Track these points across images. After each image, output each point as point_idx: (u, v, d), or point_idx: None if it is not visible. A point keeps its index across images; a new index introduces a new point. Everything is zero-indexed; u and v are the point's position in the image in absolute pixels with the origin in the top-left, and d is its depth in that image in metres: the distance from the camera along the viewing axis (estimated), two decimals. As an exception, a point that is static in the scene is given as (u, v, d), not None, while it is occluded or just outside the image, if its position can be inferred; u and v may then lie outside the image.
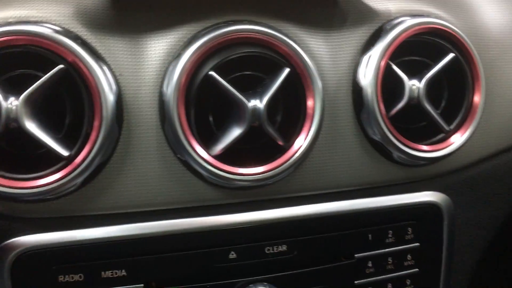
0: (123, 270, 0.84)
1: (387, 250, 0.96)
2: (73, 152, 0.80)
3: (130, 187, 0.85)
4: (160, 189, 0.86)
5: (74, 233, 0.83)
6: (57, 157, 0.79)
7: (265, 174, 0.85)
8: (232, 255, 0.88)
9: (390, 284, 0.98)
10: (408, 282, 0.99)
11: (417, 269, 0.99)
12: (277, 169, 0.86)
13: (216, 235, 0.88)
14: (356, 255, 0.94)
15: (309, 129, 0.87)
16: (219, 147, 0.85)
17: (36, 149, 0.82)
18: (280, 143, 0.86)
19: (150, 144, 0.85)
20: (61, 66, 0.79)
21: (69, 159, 0.80)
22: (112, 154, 0.84)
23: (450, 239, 1.02)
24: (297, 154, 0.86)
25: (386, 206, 0.97)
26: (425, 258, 1.00)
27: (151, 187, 0.86)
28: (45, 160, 0.81)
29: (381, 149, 0.95)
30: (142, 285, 0.85)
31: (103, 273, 0.83)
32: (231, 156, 0.85)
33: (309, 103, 0.87)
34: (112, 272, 0.84)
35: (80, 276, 0.83)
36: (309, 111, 0.87)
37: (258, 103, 0.83)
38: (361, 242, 0.95)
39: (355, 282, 0.95)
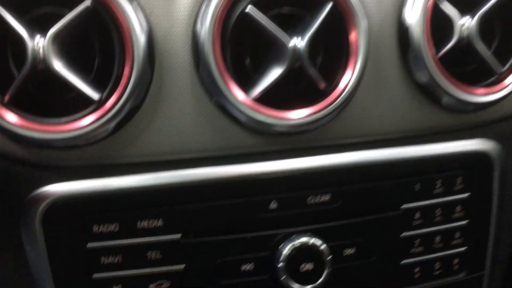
0: (160, 220, 0.80)
1: (435, 201, 0.91)
2: (104, 95, 0.75)
3: (163, 133, 0.80)
4: (195, 135, 0.81)
5: (107, 181, 0.79)
6: (88, 101, 0.75)
7: (308, 118, 0.80)
8: (273, 205, 0.83)
9: (438, 237, 0.92)
10: (456, 235, 0.93)
11: (466, 221, 0.93)
12: (321, 112, 0.80)
13: (256, 184, 0.83)
14: (402, 206, 0.89)
15: (355, 66, 0.80)
16: (258, 90, 0.80)
17: (64, 92, 0.78)
18: (322, 85, 0.81)
19: (184, 87, 0.80)
20: (88, 3, 0.74)
21: (100, 103, 0.75)
22: (144, 98, 0.79)
23: (501, 190, 0.95)
24: (343, 95, 0.80)
25: (434, 154, 0.91)
26: (475, 210, 0.94)
27: (185, 133, 0.81)
28: (75, 104, 0.76)
29: (429, 93, 0.88)
30: (179, 235, 0.81)
31: (139, 222, 0.79)
32: (269, 100, 0.80)
33: (353, 37, 0.81)
34: (148, 222, 0.80)
35: (115, 226, 0.79)
36: (353, 46, 0.81)
37: (299, 41, 0.78)
38: (408, 192, 0.89)
39: (401, 234, 0.89)
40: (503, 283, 1.04)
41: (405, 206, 0.89)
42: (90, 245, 0.79)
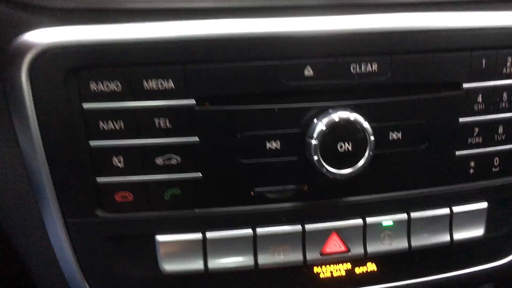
0: (170, 81, 0.66)
1: (503, 82, 0.75)
2: None
3: (178, -26, 0.65)
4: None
5: (109, 29, 0.64)
6: None
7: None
8: (309, 71, 0.68)
9: (501, 126, 0.77)
10: (523, 126, 0.78)
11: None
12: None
13: (288, 44, 0.67)
14: (464, 86, 0.73)
15: None
16: None
17: None
18: None
19: None
20: None
21: None
22: None
23: None
24: None
25: (507, 25, 0.74)
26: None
27: (204, -24, 0.66)
28: None
29: None
30: (193, 101, 0.67)
31: (145, 82, 0.66)
32: None
33: None
34: (156, 82, 0.66)
35: (116, 85, 0.65)
36: None
37: None
38: (472, 69, 0.73)
39: (460, 119, 0.74)
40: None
41: (467, 85, 0.73)
42: (86, 105, 0.66)
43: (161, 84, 0.66)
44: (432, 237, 0.79)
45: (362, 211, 0.76)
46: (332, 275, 0.79)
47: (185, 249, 0.72)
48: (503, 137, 0.78)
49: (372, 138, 0.69)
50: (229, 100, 0.68)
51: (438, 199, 0.78)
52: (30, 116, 0.66)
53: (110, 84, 0.65)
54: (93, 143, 0.67)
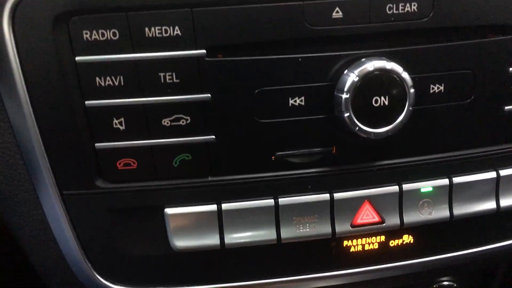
0: (176, 28, 0.56)
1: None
2: None
3: None
4: None
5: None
6: None
7: None
8: (337, 13, 0.58)
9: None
10: None
11: None
12: None
13: (313, -21, 0.58)
14: (516, 29, 0.64)
15: None
16: None
17: None
18: None
19: None
20: None
21: None
22: None
23: None
24: None
25: None
26: None
27: None
28: None
29: None
30: (203, 51, 0.58)
31: (147, 30, 0.56)
32: None
33: None
34: (160, 29, 0.56)
35: (113, 33, 0.56)
36: None
37: None
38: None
39: (510, 69, 0.65)
40: None
41: (520, 30, 0.64)
42: (79, 59, 0.57)
43: (166, 31, 0.56)
44: (476, 204, 0.70)
45: (398, 176, 0.67)
46: (363, 249, 0.70)
47: (198, 222, 0.64)
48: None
49: (412, 90, 0.60)
50: (245, 49, 0.59)
51: (484, 161, 0.69)
52: (15, 73, 0.57)
53: (106, 32, 0.56)
54: (90, 103, 0.58)
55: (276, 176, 0.64)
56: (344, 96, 0.58)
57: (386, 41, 0.61)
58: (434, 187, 0.68)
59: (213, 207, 0.63)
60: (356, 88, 0.58)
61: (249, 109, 0.60)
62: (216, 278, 0.67)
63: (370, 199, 0.66)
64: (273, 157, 0.63)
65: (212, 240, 0.64)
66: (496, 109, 0.66)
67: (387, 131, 0.60)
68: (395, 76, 0.59)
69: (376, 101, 0.59)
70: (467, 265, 0.76)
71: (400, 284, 0.79)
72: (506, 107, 0.66)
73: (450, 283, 0.89)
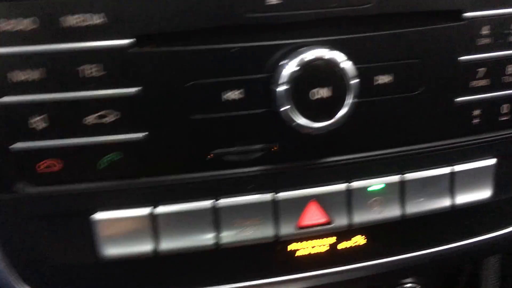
0: (100, 16, 0.52)
1: (513, 11, 0.62)
2: None
3: None
4: None
5: None
6: None
7: None
8: None
9: (510, 66, 0.64)
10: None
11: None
12: None
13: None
14: (465, 15, 0.60)
15: None
16: None
17: None
18: None
19: None
20: None
21: None
22: None
23: None
24: None
25: None
26: None
27: None
28: None
29: None
30: (130, 40, 0.53)
31: (64, 18, 0.51)
32: None
33: None
34: (81, 17, 0.52)
35: (28, 23, 0.51)
36: None
37: None
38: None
39: (460, 57, 0.61)
40: None
41: (469, 14, 0.60)
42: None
43: (87, 19, 0.52)
44: (430, 201, 0.66)
45: (346, 173, 0.63)
46: (312, 252, 0.66)
47: (130, 228, 0.59)
48: (515, 78, 0.65)
49: (354, 81, 0.56)
50: (175, 39, 0.54)
51: (437, 156, 0.65)
52: None
53: (19, 21, 0.51)
54: (3, 99, 0.53)
55: (215, 175, 0.59)
56: (281, 88, 0.54)
57: (329, 29, 0.57)
58: (385, 184, 0.64)
59: (147, 210, 0.59)
60: (294, 80, 0.54)
61: (182, 104, 0.56)
62: (150, 286, 0.63)
63: (317, 198, 0.62)
64: (210, 156, 0.59)
65: (146, 246, 0.59)
66: (446, 101, 0.63)
67: (329, 125, 0.56)
68: (335, 67, 0.55)
69: (316, 93, 0.55)
70: (426, 266, 0.72)
71: None
72: (457, 99, 0.63)
73: (413, 285, 0.86)
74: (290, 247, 0.65)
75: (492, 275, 0.90)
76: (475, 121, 0.65)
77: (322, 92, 0.55)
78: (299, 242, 0.65)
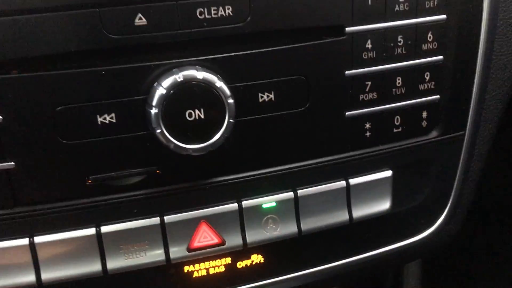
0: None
1: (396, 23, 0.61)
2: None
3: None
4: None
5: None
6: None
7: None
8: (141, 19, 0.53)
9: (399, 78, 0.64)
10: (427, 76, 0.65)
11: (440, 57, 0.65)
12: None
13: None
14: (348, 29, 0.59)
15: None
16: None
17: None
18: None
19: None
20: None
21: None
22: None
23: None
24: None
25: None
26: (456, 44, 0.65)
27: None
28: None
29: None
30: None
31: None
32: None
33: None
34: None
35: None
36: None
37: None
38: (356, 8, 0.59)
39: (346, 72, 0.61)
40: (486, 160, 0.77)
41: (351, 29, 0.59)
42: None
43: None
44: (327, 216, 0.65)
45: (237, 192, 0.62)
46: (208, 273, 0.64)
47: (9, 259, 0.57)
48: (403, 91, 0.64)
49: (230, 101, 0.54)
50: (41, 63, 0.52)
51: (331, 171, 0.65)
52: None
53: None
54: None
55: (96, 201, 0.58)
56: (153, 111, 0.53)
57: (202, 48, 0.55)
58: (278, 202, 0.63)
59: (24, 241, 0.57)
60: (166, 102, 0.53)
61: (52, 130, 0.54)
62: None
63: (207, 219, 0.61)
64: (88, 181, 0.57)
65: (28, 277, 0.57)
66: (336, 115, 0.62)
67: (206, 146, 0.55)
68: (210, 86, 0.54)
69: (191, 115, 0.54)
70: (331, 280, 0.72)
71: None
72: (347, 113, 0.62)
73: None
74: (186, 268, 0.63)
75: (412, 281, 0.90)
76: (368, 134, 0.64)
77: (198, 113, 0.54)
78: (195, 264, 0.63)
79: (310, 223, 0.65)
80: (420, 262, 0.92)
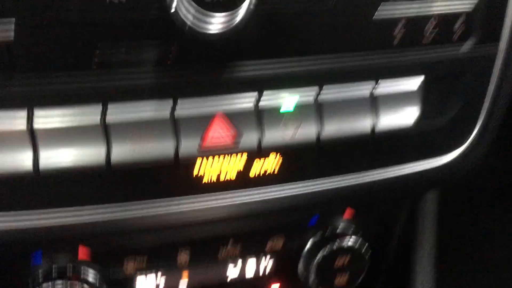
0: None
1: None
2: None
3: None
4: None
5: None
6: None
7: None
8: None
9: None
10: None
11: None
12: None
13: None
14: None
15: None
16: None
17: None
18: None
19: None
20: None
21: None
22: None
23: None
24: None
25: None
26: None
27: None
28: None
29: None
30: None
31: None
32: None
33: None
34: None
35: None
36: None
37: None
38: None
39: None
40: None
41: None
42: None
43: None
44: (351, 123, 0.60)
45: (257, 84, 0.56)
46: (219, 177, 0.59)
47: (4, 137, 0.51)
48: (437, -4, 0.59)
49: None
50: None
51: (360, 70, 0.59)
52: None
53: None
54: None
55: (102, 79, 0.51)
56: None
57: None
58: (301, 96, 0.58)
59: (22, 114, 0.50)
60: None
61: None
62: (28, 204, 0.54)
63: (224, 111, 0.56)
64: (95, 53, 0.50)
65: (24, 162, 0.51)
66: (366, 15, 0.57)
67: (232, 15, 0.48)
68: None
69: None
70: (355, 196, 0.67)
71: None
72: (377, 12, 0.57)
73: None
74: (196, 168, 0.58)
75: (428, 218, 0.85)
76: (398, 36, 0.59)
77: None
78: (205, 159, 0.58)
79: (332, 124, 0.59)
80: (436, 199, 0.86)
